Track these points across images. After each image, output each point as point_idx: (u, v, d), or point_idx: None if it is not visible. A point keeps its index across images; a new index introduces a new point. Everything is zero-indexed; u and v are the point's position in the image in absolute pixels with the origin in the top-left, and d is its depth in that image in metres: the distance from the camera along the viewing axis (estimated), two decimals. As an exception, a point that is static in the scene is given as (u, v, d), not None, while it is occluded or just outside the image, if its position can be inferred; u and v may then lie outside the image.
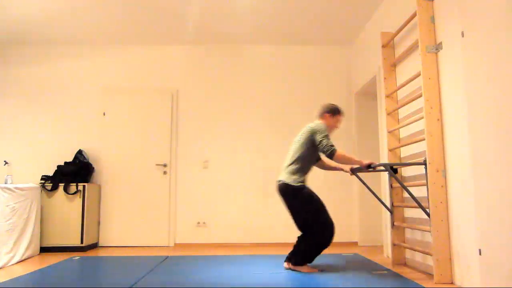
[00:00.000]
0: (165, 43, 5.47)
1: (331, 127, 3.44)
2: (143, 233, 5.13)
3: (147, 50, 5.52)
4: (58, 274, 3.36)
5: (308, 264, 3.35)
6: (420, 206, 3.03)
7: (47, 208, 4.72)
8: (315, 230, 3.22)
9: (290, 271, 3.32)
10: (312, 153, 3.33)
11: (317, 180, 5.29)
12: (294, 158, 3.32)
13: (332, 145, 3.19)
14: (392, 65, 3.91)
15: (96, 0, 4.27)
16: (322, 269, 3.34)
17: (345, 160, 3.19)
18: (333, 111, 3.44)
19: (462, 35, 2.71)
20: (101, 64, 5.48)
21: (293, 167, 3.30)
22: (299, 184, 3.26)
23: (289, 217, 5.20)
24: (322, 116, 3.46)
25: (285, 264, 3.44)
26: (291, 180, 3.26)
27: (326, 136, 3.23)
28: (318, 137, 3.23)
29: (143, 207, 5.18)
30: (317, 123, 3.35)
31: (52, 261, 3.98)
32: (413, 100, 3.34)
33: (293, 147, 3.39)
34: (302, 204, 3.26)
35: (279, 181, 3.35)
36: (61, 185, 4.77)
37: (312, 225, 3.24)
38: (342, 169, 3.56)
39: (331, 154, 3.17)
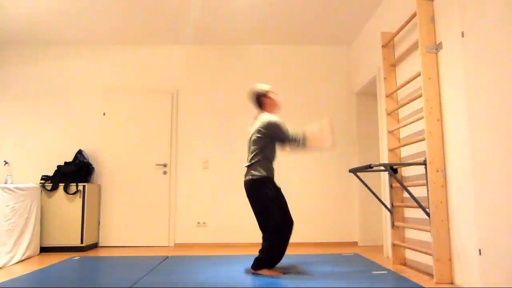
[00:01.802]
0: (165, 43, 5.47)
1: (273, 108, 3.38)
2: (143, 233, 5.13)
3: (147, 50, 5.52)
4: (58, 274, 3.36)
5: (270, 268, 3.19)
6: (420, 206, 3.03)
7: (47, 208, 4.71)
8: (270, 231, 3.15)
9: (290, 271, 3.31)
10: (273, 146, 3.28)
11: (316, 180, 5.29)
12: (254, 153, 3.24)
13: (291, 136, 3.13)
14: (392, 65, 3.91)
15: (96, 0, 4.27)
16: (285, 272, 3.22)
17: (313, 143, 3.14)
18: (265, 93, 3.36)
19: (462, 35, 2.71)
20: (101, 64, 5.48)
21: (255, 160, 3.22)
22: (263, 176, 3.20)
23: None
24: (261, 104, 3.36)
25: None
26: (255, 174, 3.21)
27: (287, 129, 3.16)
28: (277, 132, 3.17)
29: (143, 207, 5.18)
30: (269, 116, 3.24)
31: (52, 261, 3.98)
32: (413, 100, 3.34)
33: (251, 144, 3.30)
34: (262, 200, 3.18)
35: (245, 180, 3.29)
36: (61, 185, 4.77)
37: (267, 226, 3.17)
38: (320, 148, 3.30)
39: (296, 143, 3.13)
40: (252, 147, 3.28)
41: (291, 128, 3.23)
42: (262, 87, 3.43)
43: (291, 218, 3.21)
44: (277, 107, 3.44)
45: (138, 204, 5.18)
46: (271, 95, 3.40)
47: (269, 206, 3.17)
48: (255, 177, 3.22)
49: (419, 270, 3.35)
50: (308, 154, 5.32)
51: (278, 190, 3.28)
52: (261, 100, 3.40)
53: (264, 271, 3.17)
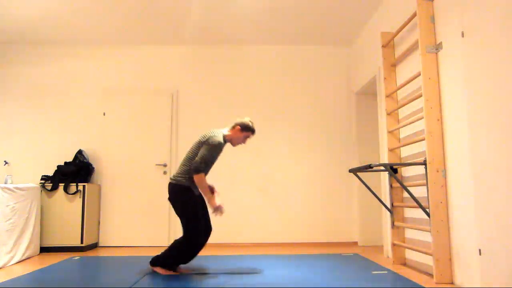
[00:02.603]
0: (165, 43, 5.47)
1: (236, 140, 3.42)
2: (143, 233, 5.13)
3: (147, 50, 5.52)
4: (58, 274, 3.36)
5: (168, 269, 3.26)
6: (420, 206, 3.03)
7: (47, 208, 4.71)
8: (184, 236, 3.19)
9: (290, 272, 3.32)
10: None
11: (316, 180, 5.29)
12: (186, 161, 3.32)
13: (201, 166, 3.18)
14: (392, 65, 3.91)
15: (96, 0, 4.27)
16: (181, 272, 3.31)
17: (200, 185, 3.20)
18: (245, 128, 3.40)
19: (462, 35, 2.71)
20: (101, 64, 5.48)
21: (184, 168, 3.28)
22: (186, 185, 3.24)
23: (289, 217, 5.23)
24: (233, 127, 3.41)
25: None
26: (180, 180, 3.25)
27: (203, 158, 3.20)
28: (201, 152, 3.23)
29: (143, 207, 5.18)
30: (212, 136, 3.27)
31: (52, 261, 3.98)
32: (413, 100, 3.35)
33: (191, 149, 3.37)
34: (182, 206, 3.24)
35: (170, 181, 3.32)
36: (61, 185, 4.77)
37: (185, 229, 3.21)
38: (209, 200, 3.31)
39: (196, 170, 3.16)
40: (190, 154, 3.33)
41: (207, 159, 3.22)
42: (250, 124, 3.43)
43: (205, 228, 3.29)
44: (234, 143, 3.46)
45: (138, 204, 5.18)
46: (247, 134, 3.42)
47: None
48: (179, 183, 3.25)
49: (419, 270, 3.35)
50: (308, 153, 5.33)
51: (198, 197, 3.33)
52: (235, 127, 3.40)
53: (158, 269, 3.26)
